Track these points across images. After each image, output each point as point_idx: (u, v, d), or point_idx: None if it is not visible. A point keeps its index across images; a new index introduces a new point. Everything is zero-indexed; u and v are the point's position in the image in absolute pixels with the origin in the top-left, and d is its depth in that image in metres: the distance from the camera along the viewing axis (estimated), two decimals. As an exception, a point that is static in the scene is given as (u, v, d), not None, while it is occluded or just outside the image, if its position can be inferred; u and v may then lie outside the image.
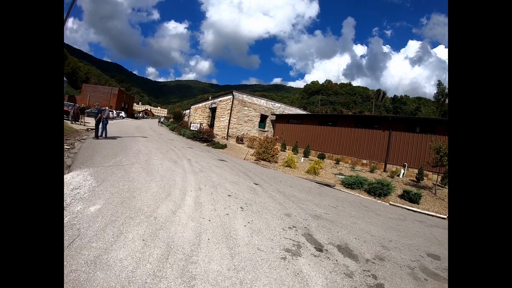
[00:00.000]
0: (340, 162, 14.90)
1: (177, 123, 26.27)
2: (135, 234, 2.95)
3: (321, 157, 15.37)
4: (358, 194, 8.14)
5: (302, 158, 15.00)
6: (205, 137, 17.14)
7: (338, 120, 17.59)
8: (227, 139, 20.44)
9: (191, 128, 20.33)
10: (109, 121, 25.62)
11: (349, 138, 15.64)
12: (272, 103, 23.39)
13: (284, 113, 22.74)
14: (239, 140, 20.15)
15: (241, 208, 4.31)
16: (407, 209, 7.22)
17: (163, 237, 2.95)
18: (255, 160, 12.15)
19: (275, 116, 22.12)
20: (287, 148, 18.70)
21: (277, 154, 12.61)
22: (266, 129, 22.14)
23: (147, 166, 6.55)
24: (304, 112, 26.18)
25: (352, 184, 8.63)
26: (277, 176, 8.75)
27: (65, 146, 8.56)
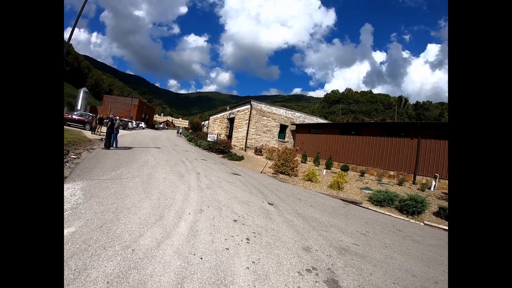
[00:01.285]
0: (365, 174, 14.17)
1: (194, 134, 26.40)
2: (101, 272, 2.37)
3: (345, 169, 14.71)
4: (388, 213, 7.37)
5: (324, 170, 14.09)
6: (221, 148, 16.74)
7: (361, 128, 16.97)
8: (245, 151, 19.94)
9: (208, 139, 20.15)
10: (125, 131, 26.65)
11: (373, 147, 15.09)
12: (291, 112, 23.03)
13: (304, 122, 22.50)
14: (258, 151, 19.55)
15: (247, 239, 3.52)
16: (445, 229, 6.40)
17: (133, 282, 2.29)
18: (273, 173, 11.34)
19: (295, 126, 21.84)
20: (308, 159, 18.10)
21: (297, 167, 11.76)
22: (286, 139, 21.95)
23: (148, 180, 6.09)
24: (325, 121, 25.13)
25: (381, 201, 7.89)
26: (296, 192, 7.83)
27: (71, 156, 8.56)
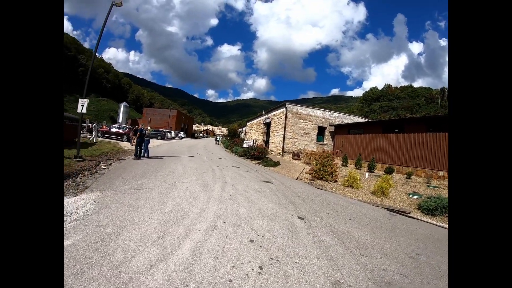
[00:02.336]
0: (412, 176, 12.70)
1: (230, 141, 26.71)
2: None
3: (389, 171, 13.34)
4: (442, 224, 6.01)
5: (367, 173, 12.86)
6: (256, 154, 16.38)
7: (404, 125, 15.58)
8: (282, 155, 19.28)
9: (244, 145, 20.03)
10: (163, 141, 28.26)
11: (420, 145, 13.76)
12: (329, 113, 22.33)
13: (343, 122, 21.77)
14: (295, 155, 18.72)
15: (260, 268, 2.86)
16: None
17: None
18: (309, 179, 10.42)
19: (333, 127, 21.31)
20: (348, 162, 17.09)
21: (336, 171, 10.70)
22: (325, 142, 21.46)
23: (168, 191, 5.94)
24: (365, 120, 23.29)
25: (433, 209, 6.64)
26: (334, 201, 6.82)
27: (102, 166, 9.05)
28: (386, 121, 19.17)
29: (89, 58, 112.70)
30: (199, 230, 3.81)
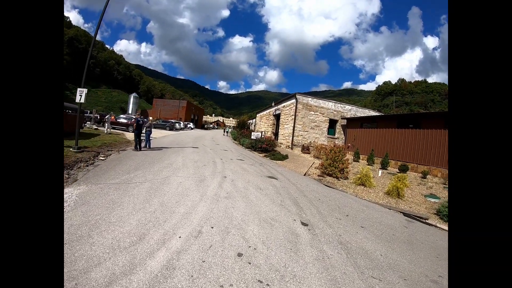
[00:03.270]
0: (427, 176, 12.09)
1: (239, 133, 26.13)
2: None
3: (403, 169, 12.57)
4: None
5: (380, 171, 12.10)
6: (263, 146, 15.71)
7: (421, 120, 14.48)
8: (291, 149, 18.54)
9: (252, 137, 19.40)
10: (172, 132, 28.01)
11: (437, 143, 12.90)
12: (341, 105, 21.23)
13: (356, 116, 20.75)
14: (305, 149, 17.94)
15: (243, 296, 2.23)
16: None
17: None
18: (318, 175, 9.68)
19: (345, 121, 20.40)
20: (360, 157, 16.27)
21: (347, 167, 9.92)
22: (336, 135, 20.56)
23: (159, 186, 5.44)
24: (379, 113, 22.16)
25: None
26: (344, 203, 6.08)
27: (100, 158, 8.68)
28: (401, 115, 18.09)
29: (100, 51, 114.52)
30: (180, 237, 3.24)
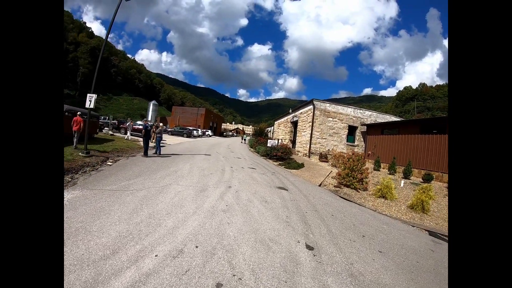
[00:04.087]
0: None
1: (255, 140, 25.74)
2: None
3: (427, 178, 11.44)
4: None
5: (402, 181, 10.99)
6: (279, 154, 15.11)
7: (445, 125, 13.30)
8: (309, 157, 17.76)
9: (268, 145, 18.90)
10: (189, 139, 28.21)
11: None
12: (361, 111, 20.22)
13: (376, 122, 19.63)
14: (323, 157, 17.09)
15: None
16: None
17: None
18: (335, 186, 8.88)
19: (365, 127, 19.37)
20: (381, 166, 15.19)
21: (367, 177, 9.03)
22: (355, 143, 19.55)
23: (154, 195, 5.14)
24: (400, 119, 20.82)
25: None
26: (361, 219, 5.30)
27: (108, 163, 8.58)
28: (424, 120, 16.69)
29: (122, 59, 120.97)
30: (156, 255, 2.80)
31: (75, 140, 9.94)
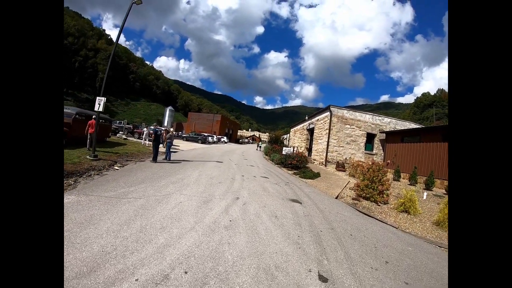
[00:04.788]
0: None
1: (270, 148, 25.23)
2: None
3: None
4: None
5: (425, 192, 10.12)
6: (293, 163, 14.51)
7: None
8: (325, 165, 17.01)
9: (283, 152, 18.34)
10: (203, 145, 28.16)
11: None
12: (379, 118, 19.42)
13: (395, 129, 18.70)
14: (340, 166, 16.32)
15: None
16: None
17: None
18: (353, 198, 8.18)
19: (384, 135, 18.53)
20: (401, 176, 14.37)
21: (388, 189, 8.24)
22: (374, 151, 18.74)
23: (153, 205, 4.83)
24: (421, 126, 19.87)
25: None
26: (383, 240, 4.57)
27: (115, 167, 8.45)
28: (446, 126, 15.57)
29: (140, 66, 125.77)
30: (136, 279, 2.39)
31: (88, 142, 10.25)
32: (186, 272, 2.61)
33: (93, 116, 11.87)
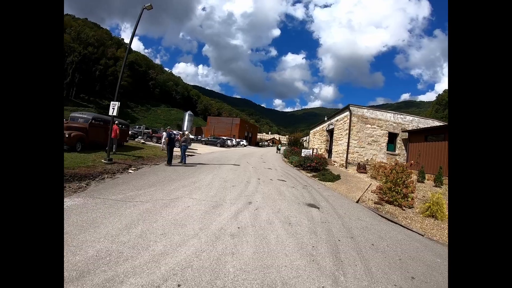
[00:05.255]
0: None
1: (289, 150, 24.75)
2: None
3: None
4: None
5: None
6: (313, 165, 13.96)
7: None
8: (346, 167, 16.28)
9: (302, 155, 17.83)
10: (222, 148, 28.20)
11: None
12: (401, 116, 18.40)
13: (418, 127, 17.59)
14: (361, 168, 15.52)
15: None
16: None
17: None
18: (375, 202, 7.56)
19: (407, 134, 17.52)
20: (426, 177, 13.38)
21: (413, 192, 7.58)
22: (396, 151, 17.77)
23: (159, 209, 4.72)
24: (446, 124, 18.21)
25: None
26: (409, 252, 3.97)
27: (129, 171, 8.44)
28: None
29: (159, 73, 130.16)
30: None
31: (113, 146, 10.77)
32: (179, 286, 2.32)
33: (116, 122, 12.28)
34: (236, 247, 3.33)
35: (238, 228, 4.05)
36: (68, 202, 4.52)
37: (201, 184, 7.22)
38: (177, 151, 13.19)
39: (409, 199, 7.43)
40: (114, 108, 8.78)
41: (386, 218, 6.13)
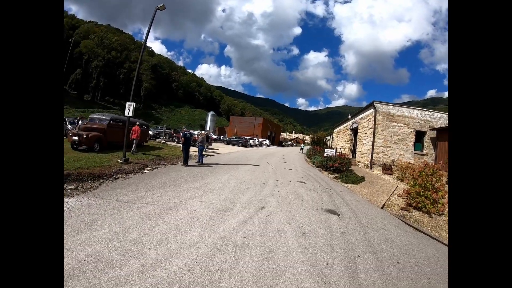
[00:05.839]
0: None
1: (311, 150, 24.00)
2: None
3: None
4: None
5: None
6: (335, 165, 13.26)
7: None
8: (370, 168, 15.32)
9: (324, 154, 17.13)
10: (244, 148, 28.05)
11: None
12: (429, 113, 16.95)
13: (447, 125, 15.91)
14: (386, 168, 14.49)
15: None
16: None
17: None
18: (402, 208, 6.86)
19: (435, 132, 16.41)
20: None
21: (443, 197, 6.80)
22: (424, 151, 16.50)
23: (162, 212, 4.55)
24: None
25: None
26: (439, 271, 3.21)
27: (145, 171, 8.47)
28: None
29: (182, 75, 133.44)
30: None
31: (133, 146, 11.52)
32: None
33: (137, 123, 12.60)
34: (236, 261, 2.97)
35: (244, 237, 3.69)
36: (72, 202, 4.48)
37: (214, 185, 6.97)
38: (194, 150, 13.17)
39: (439, 205, 6.68)
40: (129, 108, 8.88)
41: (414, 228, 5.45)
